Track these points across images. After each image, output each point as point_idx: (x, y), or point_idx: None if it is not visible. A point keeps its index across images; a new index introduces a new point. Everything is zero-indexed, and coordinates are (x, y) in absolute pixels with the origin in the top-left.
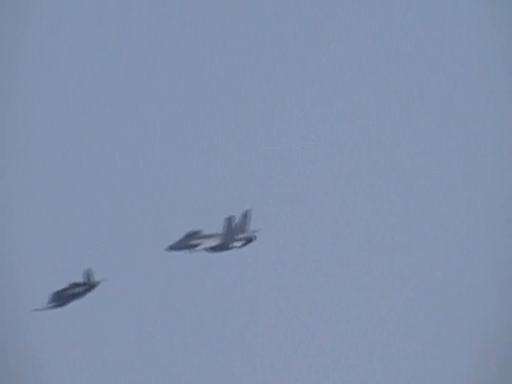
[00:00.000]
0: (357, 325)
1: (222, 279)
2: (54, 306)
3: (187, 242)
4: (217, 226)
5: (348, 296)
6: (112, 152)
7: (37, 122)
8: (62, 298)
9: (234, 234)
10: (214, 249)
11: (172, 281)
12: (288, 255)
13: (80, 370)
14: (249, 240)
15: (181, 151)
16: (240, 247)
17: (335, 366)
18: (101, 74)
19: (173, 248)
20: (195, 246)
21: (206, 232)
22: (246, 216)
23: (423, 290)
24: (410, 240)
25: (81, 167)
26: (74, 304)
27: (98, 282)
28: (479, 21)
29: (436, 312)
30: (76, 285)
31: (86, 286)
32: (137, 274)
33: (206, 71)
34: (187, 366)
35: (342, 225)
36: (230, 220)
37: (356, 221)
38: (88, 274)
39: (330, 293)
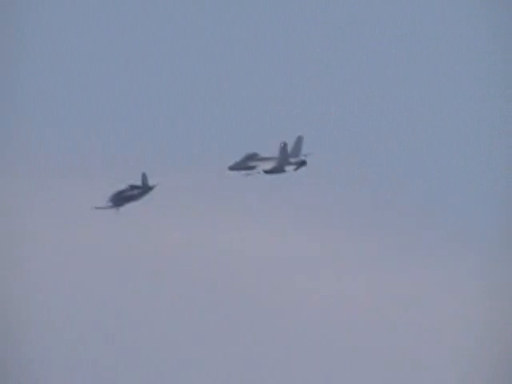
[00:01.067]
0: None
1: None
2: (112, 207)
3: (246, 163)
4: (272, 151)
5: None
6: (173, 66)
7: None
8: (119, 199)
9: (289, 158)
10: (270, 171)
11: (229, 198)
12: (338, 179)
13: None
14: (302, 163)
15: (239, 78)
16: (294, 170)
17: None
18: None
19: (233, 168)
20: (253, 167)
21: (263, 155)
22: (299, 141)
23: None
24: None
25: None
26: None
27: (153, 186)
28: (479, 26)
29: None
30: (133, 187)
31: (143, 189)
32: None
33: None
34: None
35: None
36: (284, 145)
37: None
38: (144, 177)
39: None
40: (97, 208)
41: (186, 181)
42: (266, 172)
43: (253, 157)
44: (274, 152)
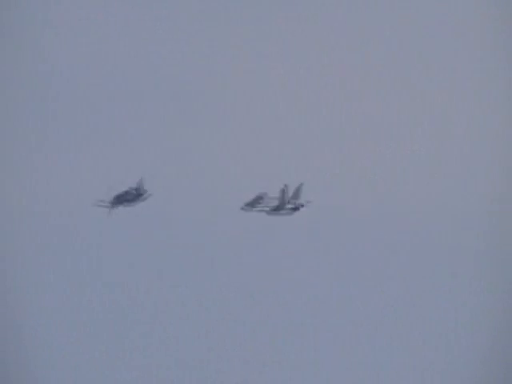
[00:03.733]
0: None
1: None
2: (111, 206)
3: (257, 201)
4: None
5: None
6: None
7: None
8: (118, 201)
9: (288, 200)
10: (272, 209)
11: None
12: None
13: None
14: (298, 207)
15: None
16: (290, 211)
17: None
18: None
19: (246, 204)
20: (260, 203)
21: (271, 195)
22: (299, 188)
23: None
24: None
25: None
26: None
27: (146, 191)
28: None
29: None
30: (128, 192)
31: (137, 193)
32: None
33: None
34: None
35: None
36: (284, 188)
37: None
38: (140, 184)
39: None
40: (98, 205)
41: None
42: (269, 211)
43: (262, 195)
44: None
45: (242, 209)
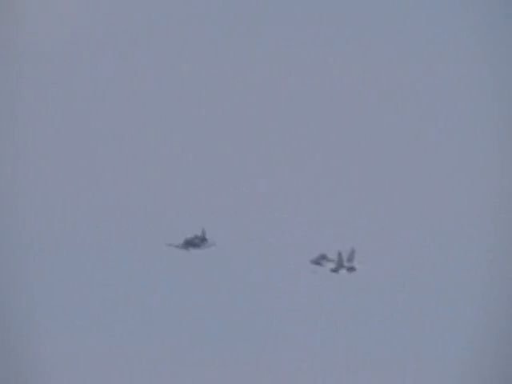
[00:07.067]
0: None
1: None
2: (182, 248)
3: (318, 260)
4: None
5: None
6: None
7: None
8: (188, 244)
9: (344, 263)
10: (331, 270)
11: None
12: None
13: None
14: (352, 269)
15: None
16: (347, 271)
17: None
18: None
19: (312, 261)
20: (321, 264)
21: (329, 257)
22: (352, 252)
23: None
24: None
25: None
26: None
27: (208, 242)
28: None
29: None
30: (197, 237)
31: (202, 240)
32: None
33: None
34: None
35: None
36: (340, 253)
37: None
38: (203, 231)
39: None
40: (170, 245)
41: None
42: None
43: (324, 256)
44: None
45: (312, 262)
